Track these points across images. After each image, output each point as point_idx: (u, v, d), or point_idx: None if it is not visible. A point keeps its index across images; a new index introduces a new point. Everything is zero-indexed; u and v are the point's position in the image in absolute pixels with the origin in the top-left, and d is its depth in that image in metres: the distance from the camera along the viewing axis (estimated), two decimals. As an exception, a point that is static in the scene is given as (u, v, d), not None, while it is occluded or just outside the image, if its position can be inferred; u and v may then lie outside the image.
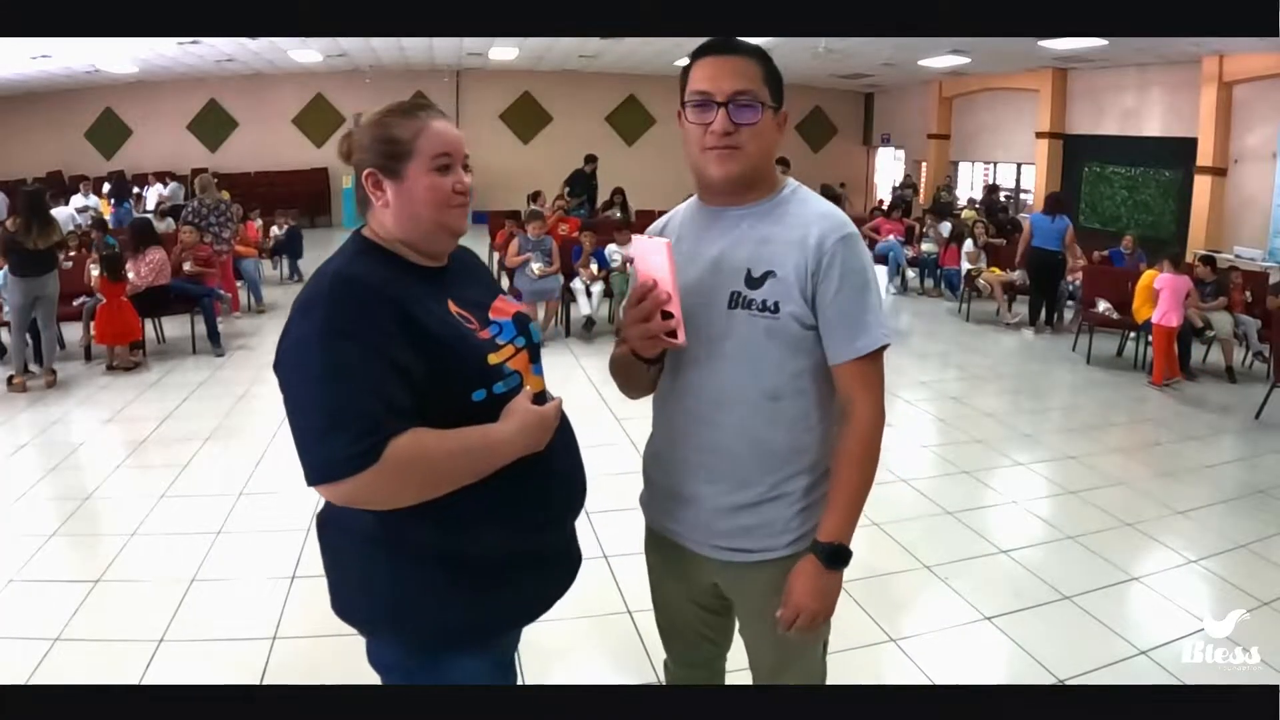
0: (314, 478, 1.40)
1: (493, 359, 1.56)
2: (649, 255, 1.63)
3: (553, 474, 1.63)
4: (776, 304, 1.67)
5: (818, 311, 1.67)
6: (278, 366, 1.47)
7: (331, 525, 1.63)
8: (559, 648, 3.21)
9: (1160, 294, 7.49)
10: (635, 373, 1.79)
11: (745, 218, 1.74)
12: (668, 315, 1.62)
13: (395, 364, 1.42)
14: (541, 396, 1.65)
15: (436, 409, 1.47)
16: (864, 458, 1.70)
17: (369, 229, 1.62)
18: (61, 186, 15.45)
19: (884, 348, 1.69)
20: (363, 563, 1.58)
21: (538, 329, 1.74)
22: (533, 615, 1.71)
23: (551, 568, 1.71)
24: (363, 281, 1.48)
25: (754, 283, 1.69)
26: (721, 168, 1.68)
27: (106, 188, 15.08)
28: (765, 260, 1.69)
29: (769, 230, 1.71)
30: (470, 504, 1.50)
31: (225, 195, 10.47)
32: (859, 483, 1.71)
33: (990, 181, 17.54)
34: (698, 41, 1.73)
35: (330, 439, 1.37)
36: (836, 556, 1.70)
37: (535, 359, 1.70)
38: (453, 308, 1.58)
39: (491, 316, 1.65)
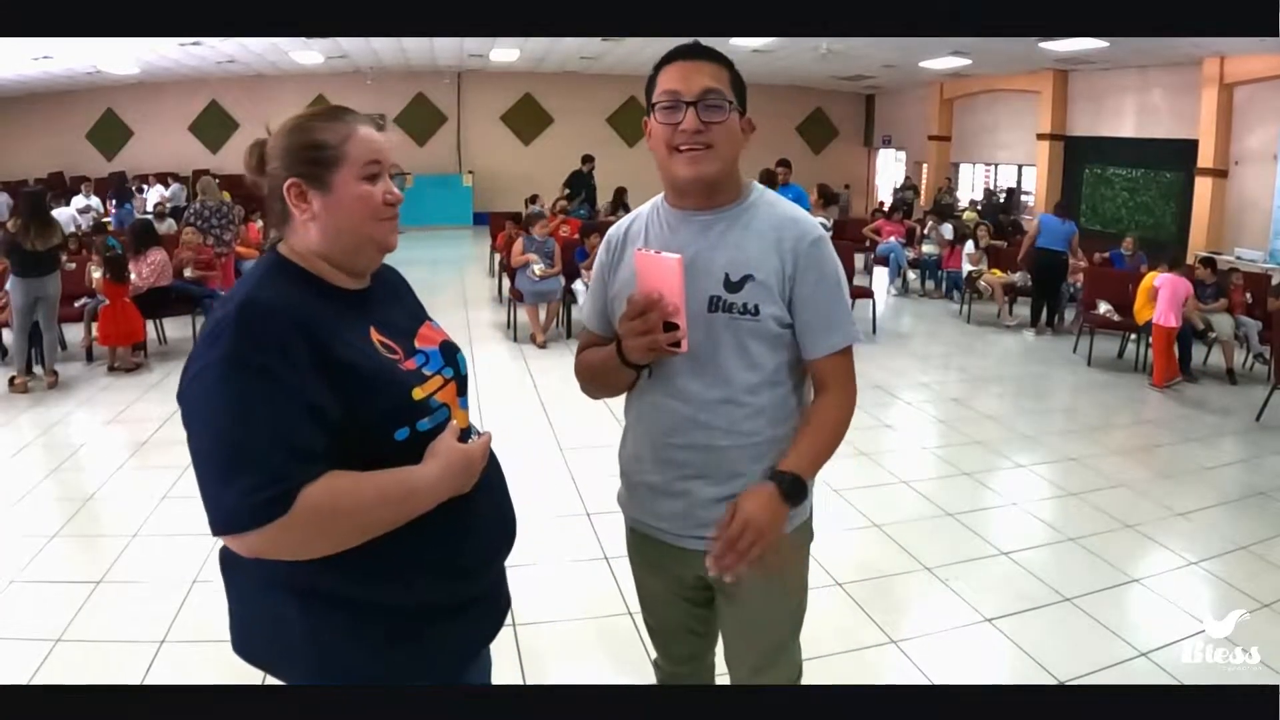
0: (217, 528, 1.26)
1: (418, 393, 1.44)
2: (657, 270, 1.64)
3: (476, 518, 1.52)
4: (757, 306, 1.71)
5: (793, 310, 1.74)
6: (180, 399, 1.34)
7: (234, 565, 1.48)
8: (560, 649, 3.21)
9: (1159, 294, 7.49)
10: (618, 377, 1.80)
11: (716, 221, 1.76)
12: (671, 326, 1.65)
13: (308, 402, 1.29)
14: (467, 433, 1.54)
15: (354, 449, 1.35)
16: (838, 425, 1.77)
17: (286, 245, 1.49)
18: (63, 187, 15.47)
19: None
20: (269, 607, 1.45)
21: (465, 359, 1.64)
22: (449, 667, 1.61)
23: (471, 617, 1.58)
24: (273, 309, 1.33)
25: (733, 286, 1.72)
26: (693, 168, 1.68)
27: (111, 196, 15.06)
28: (742, 264, 1.72)
29: (742, 234, 1.74)
30: (387, 550, 1.39)
31: (226, 196, 10.47)
32: (829, 441, 1.76)
33: (991, 185, 17.57)
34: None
35: (234, 486, 1.23)
36: (795, 487, 1.68)
37: (463, 391, 1.58)
38: (375, 335, 1.46)
39: (417, 345, 1.54)
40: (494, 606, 1.66)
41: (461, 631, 1.57)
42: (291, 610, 1.42)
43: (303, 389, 1.29)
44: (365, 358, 1.40)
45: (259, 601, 1.47)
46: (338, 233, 1.46)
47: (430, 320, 1.66)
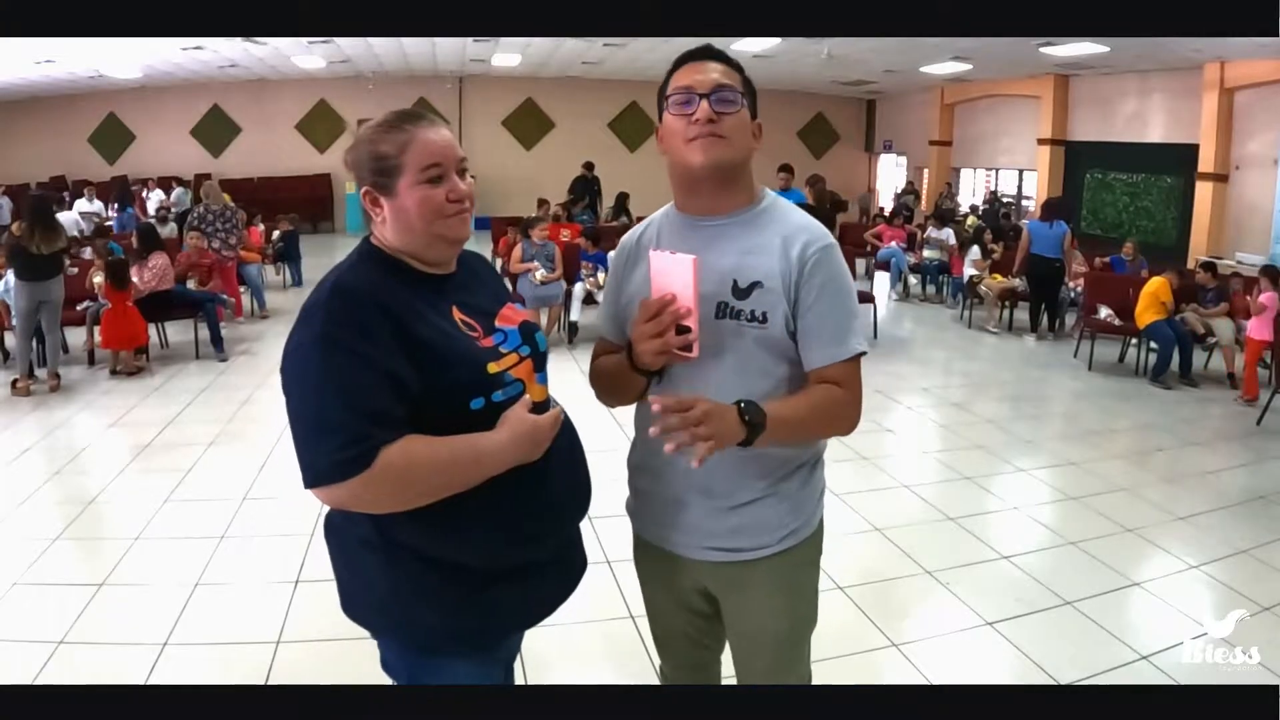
0: (307, 480, 1.44)
1: (493, 367, 1.57)
2: (670, 270, 1.64)
3: (547, 485, 1.63)
4: (765, 314, 1.69)
5: (797, 318, 1.70)
6: (281, 370, 1.50)
7: (334, 528, 1.65)
8: (561, 652, 3.22)
9: (1266, 312, 7.31)
10: (630, 384, 1.79)
11: (727, 227, 1.75)
12: (683, 329, 1.64)
13: (389, 374, 1.44)
14: (544, 405, 1.64)
15: (434, 416, 1.49)
16: (832, 406, 1.70)
17: (375, 236, 1.63)
18: (65, 191, 15.48)
19: (861, 355, 1.73)
20: (361, 565, 1.60)
21: (544, 337, 1.74)
22: (524, 624, 1.72)
23: (544, 577, 1.69)
24: (360, 292, 1.49)
25: (741, 293, 1.70)
26: (706, 154, 1.67)
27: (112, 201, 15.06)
28: (750, 270, 1.70)
29: (752, 240, 1.73)
30: (461, 512, 1.52)
31: (229, 200, 10.43)
32: (814, 414, 1.69)
33: (992, 188, 17.59)
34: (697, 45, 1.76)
35: (321, 444, 1.41)
36: (755, 415, 1.58)
37: (540, 367, 1.69)
38: (457, 314, 1.59)
39: (497, 324, 1.66)
40: (566, 568, 1.77)
41: (532, 591, 1.67)
42: (376, 569, 1.57)
43: (383, 363, 1.45)
44: (443, 335, 1.54)
45: (352, 562, 1.63)
46: (409, 231, 1.58)
47: (514, 303, 1.76)
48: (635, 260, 1.86)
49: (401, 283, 1.56)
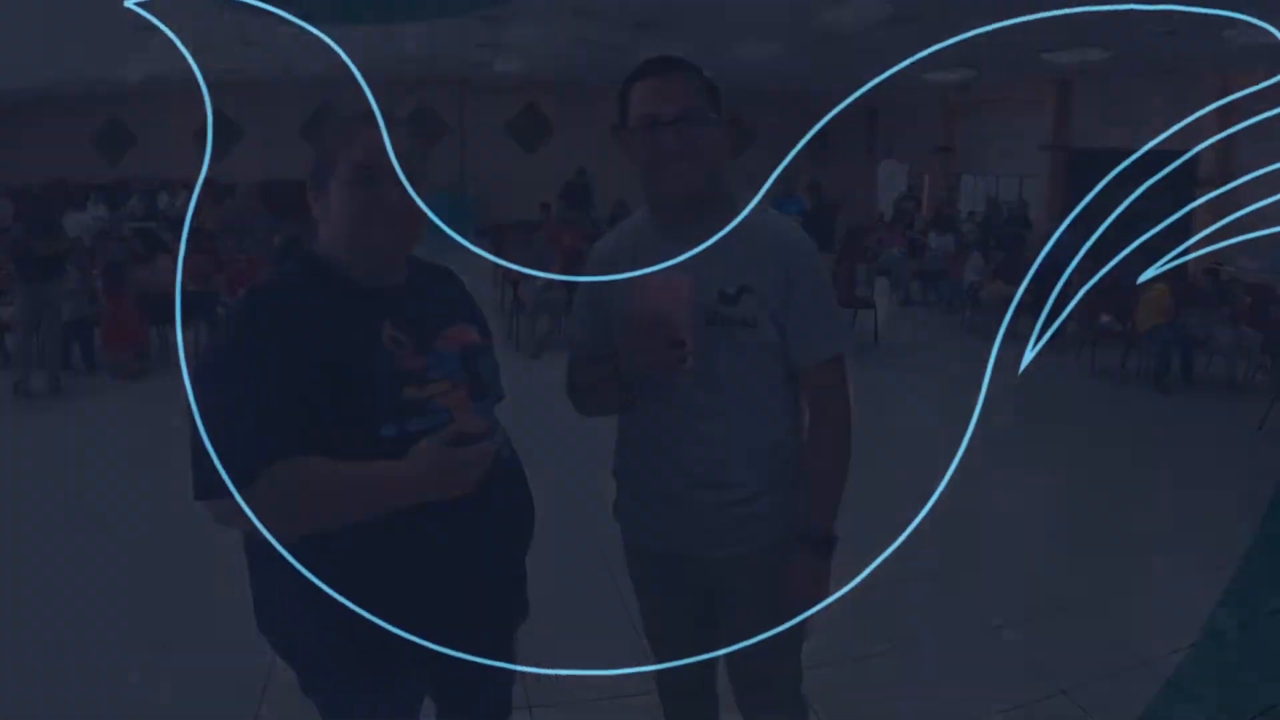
0: (194, 493, 1.36)
1: (411, 391, 1.43)
2: (665, 290, 1.63)
3: (456, 529, 1.48)
4: (755, 318, 1.71)
5: (786, 319, 1.72)
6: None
7: (250, 540, 1.50)
8: (561, 653, 3.20)
9: None
10: (614, 397, 1.79)
11: (706, 234, 1.72)
12: (676, 345, 1.64)
13: (287, 388, 1.35)
14: (479, 439, 1.45)
15: (341, 439, 1.38)
16: (841, 453, 1.81)
17: (319, 240, 1.55)
18: (66, 194, 15.49)
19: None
20: (266, 583, 1.53)
21: (490, 364, 1.62)
22: (424, 686, 1.65)
23: (453, 627, 1.51)
24: (271, 298, 1.43)
25: (730, 300, 1.71)
26: (677, 185, 1.68)
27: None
28: (737, 276, 1.71)
29: (734, 246, 1.72)
30: (374, 553, 1.42)
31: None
32: (839, 476, 1.81)
33: (992, 195, 17.58)
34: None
35: (209, 457, 1.32)
36: (827, 545, 1.80)
37: (479, 397, 1.55)
38: (388, 331, 1.46)
39: (437, 345, 1.51)
40: (491, 612, 1.63)
41: (442, 638, 1.48)
42: (282, 592, 1.47)
43: (284, 374, 1.35)
44: (356, 352, 1.42)
45: (261, 578, 1.54)
46: (333, 235, 1.50)
47: (467, 325, 1.62)
48: (612, 270, 1.81)
49: (328, 291, 1.46)
